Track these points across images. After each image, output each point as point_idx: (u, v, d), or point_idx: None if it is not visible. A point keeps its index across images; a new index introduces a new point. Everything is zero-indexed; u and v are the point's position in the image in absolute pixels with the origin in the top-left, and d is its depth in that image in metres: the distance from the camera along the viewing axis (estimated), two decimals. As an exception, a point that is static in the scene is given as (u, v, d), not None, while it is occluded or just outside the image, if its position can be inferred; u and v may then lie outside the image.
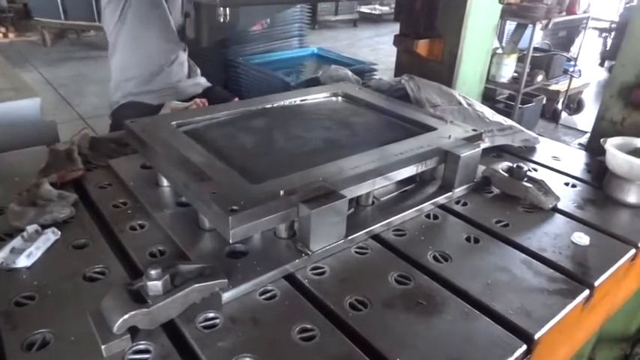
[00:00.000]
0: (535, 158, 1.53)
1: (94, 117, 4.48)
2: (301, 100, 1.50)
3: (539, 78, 3.63)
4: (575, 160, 1.52)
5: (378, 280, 0.92)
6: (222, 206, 0.87)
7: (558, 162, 1.51)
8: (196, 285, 0.80)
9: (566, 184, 1.36)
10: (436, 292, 0.90)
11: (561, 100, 4.32)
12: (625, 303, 1.40)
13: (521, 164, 1.26)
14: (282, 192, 0.92)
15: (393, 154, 1.12)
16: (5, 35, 6.27)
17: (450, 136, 1.23)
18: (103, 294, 0.78)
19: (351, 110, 1.48)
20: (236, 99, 1.59)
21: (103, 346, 0.72)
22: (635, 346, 1.74)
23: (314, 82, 2.25)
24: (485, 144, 1.51)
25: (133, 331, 0.75)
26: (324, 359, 0.74)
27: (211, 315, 0.82)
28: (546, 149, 1.60)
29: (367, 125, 1.37)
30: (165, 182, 1.18)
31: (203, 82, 2.37)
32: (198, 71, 2.34)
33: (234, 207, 0.86)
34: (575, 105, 4.70)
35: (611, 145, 1.26)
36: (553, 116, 4.41)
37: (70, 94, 4.96)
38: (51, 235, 0.99)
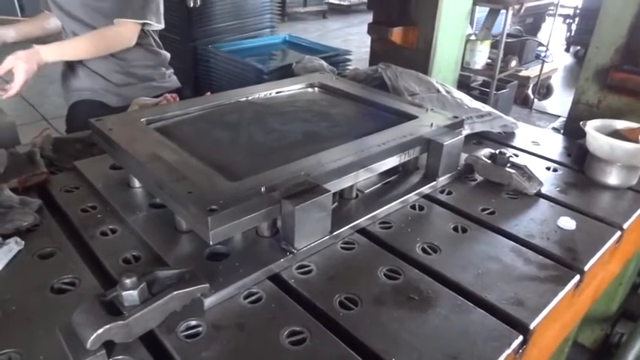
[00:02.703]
0: (515, 144, 1.52)
1: (59, 117, 4.28)
2: (276, 92, 1.45)
3: (513, 63, 3.65)
4: (554, 144, 1.52)
5: (367, 275, 0.89)
6: (200, 206, 0.81)
7: (538, 147, 1.50)
8: (176, 292, 0.74)
9: (548, 168, 1.36)
10: (427, 286, 0.87)
11: (532, 86, 4.38)
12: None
13: (504, 150, 1.24)
14: (263, 188, 0.87)
15: (375, 145, 1.08)
16: None
17: (431, 124, 1.20)
18: (73, 307, 0.71)
19: (329, 101, 1.43)
20: (208, 93, 1.51)
21: (75, 365, 0.66)
22: (616, 325, 1.77)
23: (288, 70, 2.19)
24: (465, 131, 1.49)
25: (109, 346, 0.69)
26: (317, 363, 0.70)
27: (193, 323, 0.77)
28: (525, 134, 1.59)
29: (346, 116, 1.33)
30: (137, 183, 1.11)
31: (174, 81, 2.12)
32: (167, 74, 2.08)
33: (213, 206, 0.81)
34: (544, 90, 4.78)
35: (591, 127, 1.26)
36: (524, 102, 4.48)
37: (31, 95, 4.73)
38: (13, 246, 0.91)
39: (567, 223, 1.07)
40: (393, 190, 1.15)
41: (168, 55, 2.04)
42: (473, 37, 3.55)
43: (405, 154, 1.14)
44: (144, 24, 1.81)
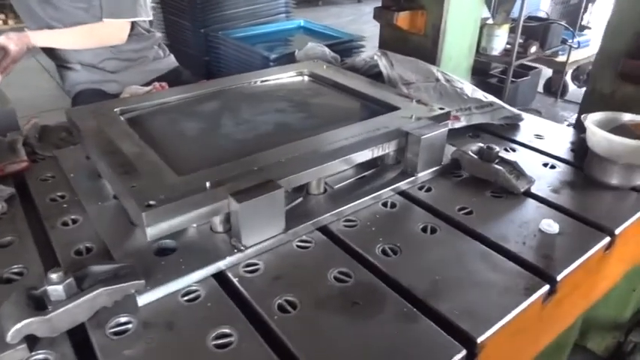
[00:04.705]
0: (516, 137, 1.42)
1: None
2: (262, 81, 1.41)
3: (533, 49, 3.38)
4: (560, 139, 1.41)
5: (316, 277, 0.85)
6: (139, 201, 0.80)
7: (541, 141, 1.39)
8: (103, 288, 0.73)
9: (545, 164, 1.25)
10: (376, 291, 0.82)
11: (570, 72, 4.09)
12: (613, 291, 1.30)
13: (492, 145, 1.15)
14: (208, 184, 0.84)
15: (344, 138, 1.03)
16: (5, 22, 6.23)
17: (412, 116, 1.13)
18: (14, 297, 0.72)
19: (314, 90, 1.38)
20: (203, 81, 1.50)
21: (-6, 358, 0.67)
22: (629, 334, 1.64)
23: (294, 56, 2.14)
24: (461, 123, 1.40)
25: (32, 340, 0.70)
26: (237, 369, 0.68)
27: (123, 319, 0.76)
28: (530, 127, 1.48)
29: (326, 107, 1.28)
30: (105, 173, 1.11)
31: (170, 61, 2.08)
32: (162, 53, 2.04)
33: (151, 202, 0.79)
34: (584, 77, 4.46)
35: (591, 121, 1.15)
36: (562, 89, 4.19)
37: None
38: (-27, 234, 0.93)
39: (550, 226, 0.98)
40: (366, 186, 1.10)
41: (159, 34, 2.03)
42: (490, 22, 3.33)
43: (379, 147, 1.08)
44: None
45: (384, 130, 1.07)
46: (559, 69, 3.94)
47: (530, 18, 3.48)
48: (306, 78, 1.48)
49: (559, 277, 0.86)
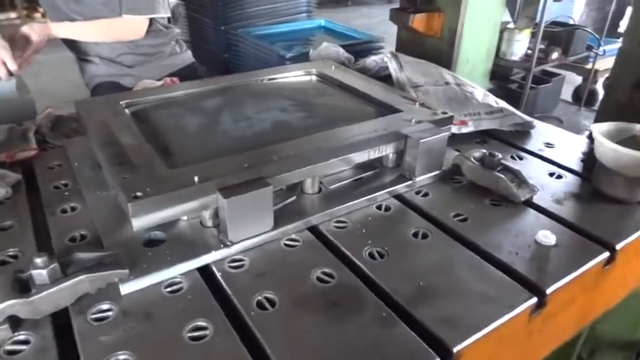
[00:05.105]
0: (524, 145, 1.38)
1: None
2: (269, 79, 1.42)
3: (555, 55, 3.26)
4: (571, 148, 1.36)
5: (299, 276, 0.85)
6: (127, 192, 0.81)
7: (551, 149, 1.35)
8: (85, 275, 0.75)
9: (551, 174, 1.22)
10: (357, 293, 0.81)
11: (601, 80, 3.94)
12: (624, 309, 1.26)
13: (494, 152, 1.13)
14: (196, 178, 0.85)
15: (340, 138, 1.03)
16: (43, 15, 6.52)
17: (412, 119, 1.12)
18: (5, 279, 0.74)
19: (319, 90, 1.38)
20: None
21: (-23, 336, 0.69)
22: (640, 353, 1.58)
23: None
24: (468, 128, 1.38)
25: (15, 321, 0.72)
26: (207, 362, 0.68)
27: (105, 307, 0.77)
28: (540, 135, 1.44)
29: (328, 107, 1.27)
30: (107, 164, 1.14)
31: (186, 57, 2.10)
32: (178, 48, 2.07)
33: (138, 193, 0.81)
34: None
35: (601, 131, 1.11)
36: (590, 98, 4.05)
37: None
38: (-25, 217, 0.97)
39: (546, 237, 0.95)
40: (362, 187, 1.09)
41: (177, 30, 2.07)
42: (511, 26, 3.23)
43: (375, 150, 1.07)
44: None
45: (381, 132, 1.06)
46: (586, 76, 3.80)
47: (553, 23, 3.37)
48: (313, 78, 1.48)
49: (549, 291, 0.83)
